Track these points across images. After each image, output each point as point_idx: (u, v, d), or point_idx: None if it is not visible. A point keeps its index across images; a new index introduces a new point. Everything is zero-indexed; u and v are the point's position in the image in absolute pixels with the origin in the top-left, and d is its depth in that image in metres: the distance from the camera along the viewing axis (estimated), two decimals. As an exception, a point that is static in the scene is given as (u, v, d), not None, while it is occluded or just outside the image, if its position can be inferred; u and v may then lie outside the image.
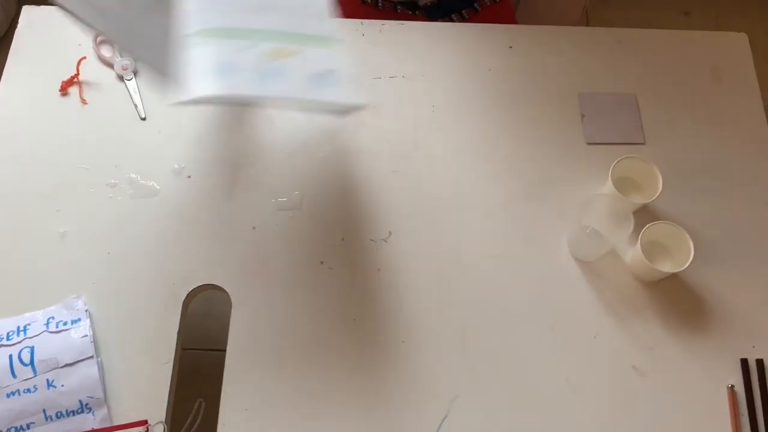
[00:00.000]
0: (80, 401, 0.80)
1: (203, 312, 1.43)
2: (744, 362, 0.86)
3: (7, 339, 0.82)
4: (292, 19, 0.80)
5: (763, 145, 0.99)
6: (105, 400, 0.81)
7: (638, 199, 0.91)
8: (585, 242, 0.88)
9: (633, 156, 0.91)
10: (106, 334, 0.84)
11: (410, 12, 1.21)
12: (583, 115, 0.99)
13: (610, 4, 1.98)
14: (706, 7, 1.97)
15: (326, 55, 0.78)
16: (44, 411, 0.79)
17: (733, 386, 0.84)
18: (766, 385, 0.85)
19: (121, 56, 1.00)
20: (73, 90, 0.98)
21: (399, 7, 1.21)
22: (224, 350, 0.85)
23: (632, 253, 0.89)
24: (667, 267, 0.88)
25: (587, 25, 1.90)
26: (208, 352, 1.42)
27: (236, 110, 0.99)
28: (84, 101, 0.98)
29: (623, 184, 0.91)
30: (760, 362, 0.86)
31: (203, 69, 0.73)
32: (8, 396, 0.79)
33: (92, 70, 1.00)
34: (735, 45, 1.06)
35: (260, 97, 0.78)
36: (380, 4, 1.20)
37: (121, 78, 1.00)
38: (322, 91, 0.77)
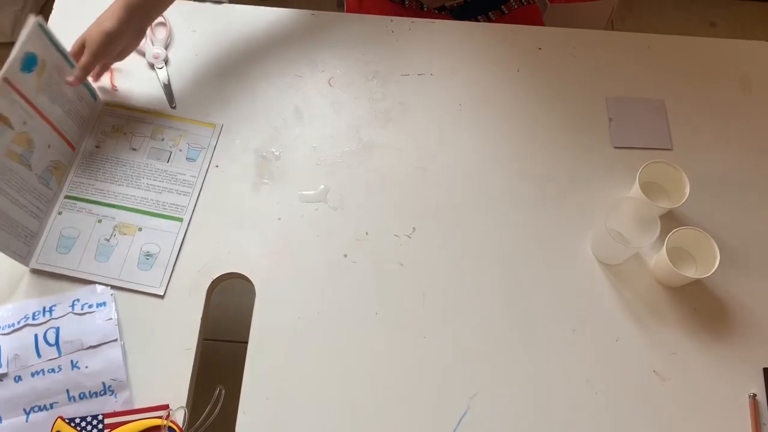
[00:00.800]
0: (103, 383, 0.81)
1: (221, 304, 1.44)
2: (766, 371, 0.85)
3: (33, 319, 0.83)
4: None
5: (791, 155, 0.98)
6: (127, 384, 0.81)
7: (665, 204, 0.91)
8: (609, 245, 0.88)
9: (661, 161, 0.91)
10: (130, 318, 0.85)
11: (436, 11, 1.21)
12: (610, 119, 0.99)
13: (636, 14, 1.97)
14: (731, 17, 1.97)
15: None
16: (68, 391, 0.80)
17: (755, 395, 0.84)
18: (787, 395, 0.84)
19: (153, 45, 1.01)
20: (105, 77, 0.99)
21: (425, 6, 1.21)
22: (241, 342, 0.85)
23: (657, 258, 0.89)
24: (691, 273, 0.88)
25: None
26: (225, 344, 1.43)
27: (265, 104, 0.99)
28: (115, 87, 0.99)
29: (650, 189, 0.91)
30: (782, 372, 0.85)
31: None
32: (33, 375, 0.80)
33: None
34: (764, 55, 1.06)
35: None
36: (406, 3, 1.21)
37: (152, 66, 1.01)
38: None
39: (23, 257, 0.86)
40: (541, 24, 1.28)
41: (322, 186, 0.94)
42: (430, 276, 0.89)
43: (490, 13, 1.21)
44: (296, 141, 0.97)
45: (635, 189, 0.89)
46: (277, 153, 0.96)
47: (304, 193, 0.94)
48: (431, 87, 1.01)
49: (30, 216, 0.87)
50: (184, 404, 0.81)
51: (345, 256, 0.90)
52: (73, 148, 0.93)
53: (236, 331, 1.45)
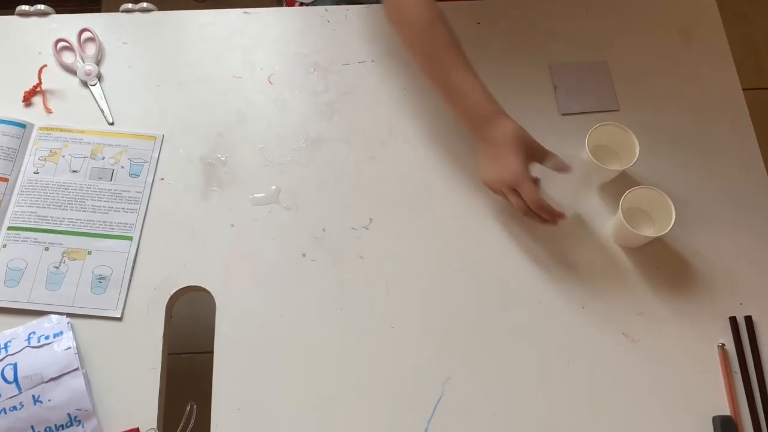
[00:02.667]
0: (69, 414, 0.79)
1: (186, 315, 1.42)
2: (733, 320, 0.86)
3: (-11, 358, 0.80)
4: None
5: (736, 103, 0.98)
6: (94, 412, 0.79)
7: (616, 166, 0.91)
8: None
9: (608, 123, 0.90)
10: (89, 345, 0.83)
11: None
12: (555, 87, 0.99)
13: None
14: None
15: None
16: (32, 428, 0.78)
17: (723, 345, 0.84)
18: (756, 341, 0.85)
19: (84, 61, 0.98)
20: (37, 99, 0.96)
21: None
22: (210, 352, 0.84)
23: (614, 220, 0.89)
24: (649, 232, 0.88)
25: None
26: (193, 356, 1.41)
27: (206, 110, 0.97)
28: (49, 110, 0.96)
29: (601, 152, 0.91)
30: (748, 319, 0.86)
31: None
32: (-6, 415, 0.78)
33: (55, 78, 0.98)
34: (702, 5, 1.06)
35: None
36: None
37: (85, 84, 0.98)
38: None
39: None
40: None
41: (273, 187, 0.92)
42: (391, 266, 0.88)
43: None
44: (242, 144, 0.95)
45: (585, 154, 0.89)
46: (223, 158, 0.94)
47: (255, 196, 0.92)
48: (373, 74, 1.00)
49: None
50: (155, 425, 0.80)
51: (303, 255, 0.89)
52: (5, 180, 0.90)
53: (201, 342, 1.43)
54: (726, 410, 0.82)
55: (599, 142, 0.91)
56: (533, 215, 0.85)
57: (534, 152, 0.85)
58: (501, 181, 0.85)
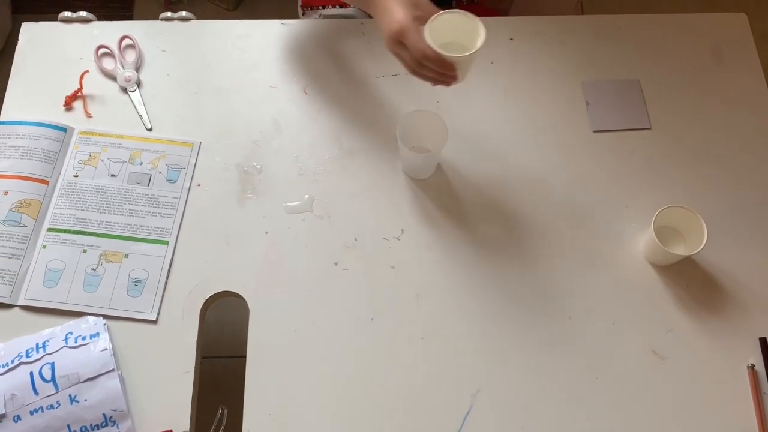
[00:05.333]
0: (104, 414, 0.80)
1: (216, 320, 1.43)
2: (763, 341, 0.86)
3: (27, 356, 0.82)
4: None
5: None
6: (128, 413, 0.81)
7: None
8: (416, 160, 0.91)
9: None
10: (125, 346, 0.84)
11: None
12: (587, 103, 1.00)
13: (604, -7, 1.98)
14: (699, -11, 1.97)
15: None
16: (68, 426, 0.79)
17: (753, 366, 0.84)
18: (785, 362, 0.85)
19: (124, 68, 1.00)
20: (78, 104, 0.98)
21: None
22: (239, 357, 0.85)
23: (646, 238, 0.89)
24: (680, 250, 0.88)
25: (582, 14, 1.89)
26: (224, 360, 1.42)
27: (242, 118, 0.99)
28: (89, 115, 0.98)
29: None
30: (778, 340, 0.86)
31: None
32: (31, 413, 0.79)
33: (95, 84, 1.00)
34: (734, 25, 1.07)
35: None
36: None
37: (124, 90, 1.00)
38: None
39: (7, 297, 0.85)
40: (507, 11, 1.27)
41: (307, 196, 0.94)
42: (422, 276, 0.89)
43: (453, 3, 1.20)
44: (277, 153, 0.96)
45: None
46: (258, 166, 0.95)
47: (289, 204, 0.93)
48: (406, 87, 1.01)
49: (4, 258, 0.87)
50: (187, 428, 0.81)
51: (336, 264, 0.90)
52: (46, 182, 0.92)
53: (234, 346, 1.45)
54: (755, 430, 0.82)
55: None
56: (423, 71, 0.80)
57: (419, 4, 0.81)
58: (388, 36, 0.79)
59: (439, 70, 0.79)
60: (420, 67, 0.79)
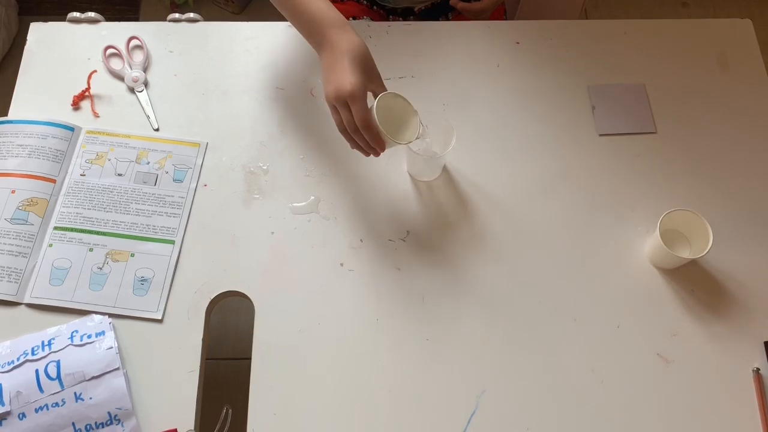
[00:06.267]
0: (109, 413, 0.80)
1: (220, 321, 1.43)
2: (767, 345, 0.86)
3: (33, 354, 0.82)
4: None
5: (773, 129, 0.99)
6: (133, 411, 0.81)
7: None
8: (421, 162, 0.92)
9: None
10: (130, 345, 0.84)
11: (402, 18, 1.21)
12: (593, 107, 1.00)
13: (608, 1, 1.99)
14: (702, -3, 1.99)
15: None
16: (73, 424, 0.79)
17: (758, 369, 0.84)
18: (790, 366, 0.85)
19: (131, 68, 1.01)
20: (85, 104, 0.99)
21: (391, 15, 1.21)
22: (244, 359, 0.85)
23: (651, 241, 0.89)
24: (686, 254, 0.89)
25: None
26: (228, 362, 1.42)
27: (249, 119, 0.99)
28: (96, 114, 0.98)
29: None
30: (784, 344, 0.86)
31: None
32: (36, 411, 0.79)
33: (103, 84, 1.00)
34: (739, 31, 1.07)
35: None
36: (375, 8, 1.20)
37: (131, 90, 1.00)
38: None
39: (13, 295, 0.85)
40: (503, 18, 1.28)
41: (313, 197, 0.94)
42: (427, 278, 0.89)
43: (450, 14, 1.21)
44: (283, 154, 0.97)
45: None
46: (265, 167, 0.96)
47: (295, 205, 0.93)
48: (413, 90, 1.01)
49: (11, 256, 0.87)
50: (192, 427, 0.81)
51: (341, 264, 0.90)
52: (53, 181, 0.92)
53: (238, 348, 1.45)
54: (760, 435, 0.82)
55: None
56: (354, 136, 0.81)
57: (372, 76, 0.83)
58: (336, 92, 0.79)
59: (371, 143, 0.81)
60: (355, 132, 0.81)
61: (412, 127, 0.84)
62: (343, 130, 0.83)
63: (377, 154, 0.83)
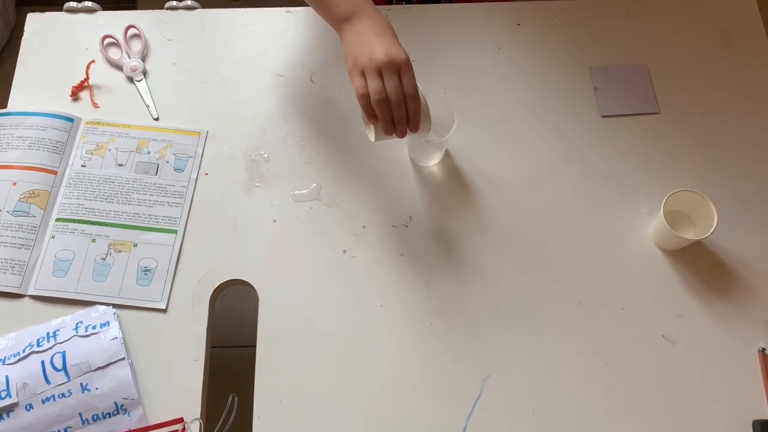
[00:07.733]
0: (115, 403, 0.80)
1: (224, 309, 1.43)
2: (773, 325, 0.86)
3: (38, 345, 0.82)
4: None
5: (778, 107, 0.98)
6: (140, 401, 0.81)
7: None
8: (422, 146, 0.91)
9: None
10: (135, 335, 0.85)
11: (403, 1, 1.20)
12: (595, 88, 0.99)
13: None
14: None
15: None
16: (80, 415, 0.80)
17: (764, 349, 0.84)
18: (796, 346, 0.85)
19: (130, 57, 1.00)
20: (84, 94, 0.98)
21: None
22: (249, 346, 0.85)
23: (655, 222, 0.89)
24: (690, 234, 0.88)
25: None
26: (233, 349, 1.42)
27: (249, 107, 0.98)
28: (95, 104, 0.98)
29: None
30: (789, 324, 0.86)
31: None
32: (43, 402, 0.80)
33: (101, 73, 1.00)
34: (743, 8, 1.06)
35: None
36: None
37: (130, 79, 0.99)
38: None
39: (17, 287, 0.86)
40: None
41: (314, 184, 0.94)
42: (430, 263, 0.89)
43: None
44: (284, 141, 0.96)
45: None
46: (266, 155, 0.95)
47: (297, 192, 0.93)
48: (415, 73, 1.00)
49: (14, 248, 0.87)
50: (198, 416, 0.81)
51: (344, 251, 0.90)
52: (54, 172, 0.92)
53: (242, 336, 1.45)
54: (766, 414, 0.81)
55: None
56: (395, 107, 0.76)
57: None
58: (389, 57, 0.75)
59: (411, 116, 0.78)
60: (399, 102, 0.76)
61: (426, 117, 0.82)
62: (377, 101, 0.76)
63: (404, 134, 0.79)
